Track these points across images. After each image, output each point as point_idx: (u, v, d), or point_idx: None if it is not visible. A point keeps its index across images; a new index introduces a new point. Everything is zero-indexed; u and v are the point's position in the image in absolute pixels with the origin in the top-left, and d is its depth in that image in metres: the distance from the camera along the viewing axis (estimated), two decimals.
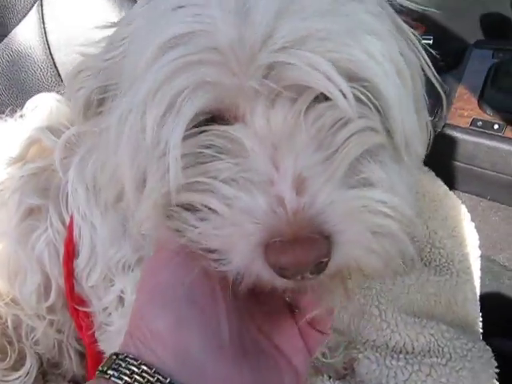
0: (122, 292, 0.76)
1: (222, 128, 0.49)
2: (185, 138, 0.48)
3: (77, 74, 0.63)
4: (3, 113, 1.06)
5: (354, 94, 0.48)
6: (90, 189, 0.74)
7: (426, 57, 0.61)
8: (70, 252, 0.79)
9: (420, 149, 0.58)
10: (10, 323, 0.90)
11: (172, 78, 0.47)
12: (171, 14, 0.50)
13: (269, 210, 0.45)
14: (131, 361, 0.47)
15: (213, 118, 0.50)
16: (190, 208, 0.49)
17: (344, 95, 0.47)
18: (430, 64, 0.62)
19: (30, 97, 1.20)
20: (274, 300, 0.56)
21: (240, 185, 0.47)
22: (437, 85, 0.65)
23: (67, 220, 0.81)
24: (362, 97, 0.50)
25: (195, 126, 0.49)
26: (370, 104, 0.51)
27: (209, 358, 0.48)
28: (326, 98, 0.49)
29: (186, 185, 0.48)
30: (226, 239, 0.46)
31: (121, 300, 0.77)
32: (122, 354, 0.48)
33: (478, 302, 1.08)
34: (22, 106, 1.18)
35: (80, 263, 0.79)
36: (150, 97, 0.49)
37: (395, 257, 0.50)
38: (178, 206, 0.49)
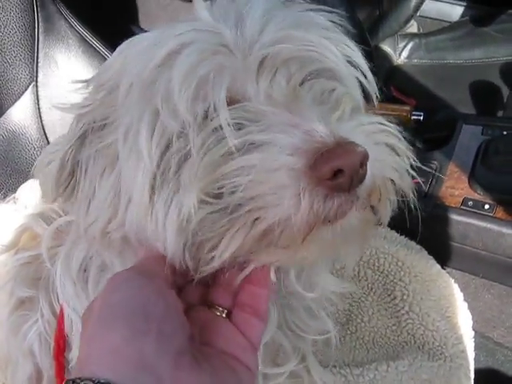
0: None
1: (237, 105, 0.55)
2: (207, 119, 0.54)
3: (47, 155, 0.67)
4: None
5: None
6: (77, 283, 0.74)
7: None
8: (61, 345, 0.79)
9: None
10: None
11: (196, 65, 0.54)
12: (166, 35, 0.58)
13: (305, 138, 0.50)
14: (87, 381, 0.45)
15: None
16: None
17: (337, 58, 0.59)
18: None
19: (24, 176, 1.22)
20: (202, 310, 0.59)
21: (273, 132, 0.52)
22: None
23: (58, 310, 0.81)
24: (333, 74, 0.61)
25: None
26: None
27: (167, 366, 0.47)
28: (310, 78, 0.59)
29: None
30: (272, 180, 0.50)
31: None
32: (79, 379, 0.46)
33: None
34: (15, 185, 1.20)
35: (73, 357, 0.78)
36: (177, 85, 0.53)
37: (406, 175, 0.59)
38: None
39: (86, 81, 0.66)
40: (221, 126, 0.53)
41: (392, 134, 0.58)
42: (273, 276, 0.61)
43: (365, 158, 0.49)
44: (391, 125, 0.59)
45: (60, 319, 0.79)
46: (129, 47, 0.62)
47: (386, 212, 0.60)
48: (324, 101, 0.59)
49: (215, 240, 0.53)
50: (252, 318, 0.59)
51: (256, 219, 0.51)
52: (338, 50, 0.60)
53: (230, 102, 0.55)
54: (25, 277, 0.83)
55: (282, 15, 0.59)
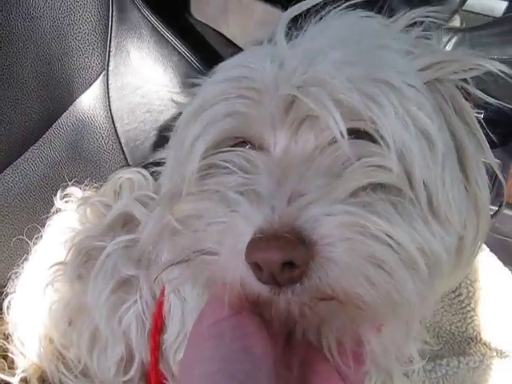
0: None
1: (244, 149, 0.55)
2: (212, 153, 0.56)
3: None
4: (67, 180, 1.10)
5: (361, 130, 0.52)
6: None
7: (486, 145, 0.61)
8: (159, 326, 0.82)
9: (456, 219, 0.55)
10: None
11: (213, 105, 0.55)
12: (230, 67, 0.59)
13: (262, 215, 0.46)
14: None
15: (244, 142, 0.56)
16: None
17: (340, 132, 0.49)
18: (488, 148, 0.61)
19: (91, 165, 1.24)
20: (310, 349, 0.57)
21: (244, 194, 0.49)
22: (493, 164, 0.63)
23: (157, 293, 0.84)
24: (375, 135, 0.51)
25: (226, 146, 0.56)
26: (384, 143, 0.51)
27: None
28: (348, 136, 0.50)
29: (198, 192, 0.54)
30: (219, 237, 0.49)
31: None
32: None
33: None
34: (81, 174, 1.21)
35: (168, 339, 0.82)
36: (192, 121, 0.57)
37: (394, 300, 0.47)
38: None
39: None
40: (208, 166, 0.56)
41: (384, 241, 0.46)
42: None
43: (290, 256, 0.44)
44: (399, 231, 0.47)
45: (160, 300, 0.82)
46: None
47: (352, 318, 0.52)
48: (339, 171, 0.50)
49: None
50: (354, 363, 0.57)
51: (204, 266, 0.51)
52: (389, 103, 0.50)
53: (250, 143, 0.56)
54: (128, 258, 0.86)
55: (333, 52, 0.52)
